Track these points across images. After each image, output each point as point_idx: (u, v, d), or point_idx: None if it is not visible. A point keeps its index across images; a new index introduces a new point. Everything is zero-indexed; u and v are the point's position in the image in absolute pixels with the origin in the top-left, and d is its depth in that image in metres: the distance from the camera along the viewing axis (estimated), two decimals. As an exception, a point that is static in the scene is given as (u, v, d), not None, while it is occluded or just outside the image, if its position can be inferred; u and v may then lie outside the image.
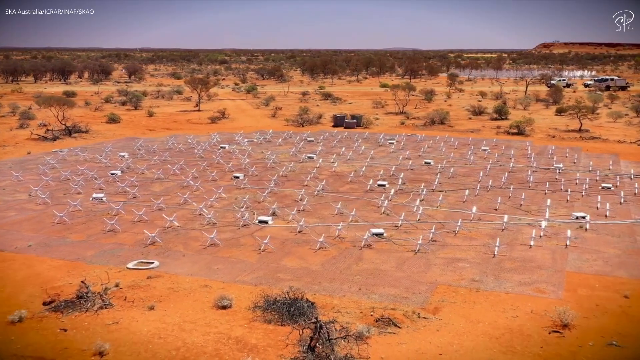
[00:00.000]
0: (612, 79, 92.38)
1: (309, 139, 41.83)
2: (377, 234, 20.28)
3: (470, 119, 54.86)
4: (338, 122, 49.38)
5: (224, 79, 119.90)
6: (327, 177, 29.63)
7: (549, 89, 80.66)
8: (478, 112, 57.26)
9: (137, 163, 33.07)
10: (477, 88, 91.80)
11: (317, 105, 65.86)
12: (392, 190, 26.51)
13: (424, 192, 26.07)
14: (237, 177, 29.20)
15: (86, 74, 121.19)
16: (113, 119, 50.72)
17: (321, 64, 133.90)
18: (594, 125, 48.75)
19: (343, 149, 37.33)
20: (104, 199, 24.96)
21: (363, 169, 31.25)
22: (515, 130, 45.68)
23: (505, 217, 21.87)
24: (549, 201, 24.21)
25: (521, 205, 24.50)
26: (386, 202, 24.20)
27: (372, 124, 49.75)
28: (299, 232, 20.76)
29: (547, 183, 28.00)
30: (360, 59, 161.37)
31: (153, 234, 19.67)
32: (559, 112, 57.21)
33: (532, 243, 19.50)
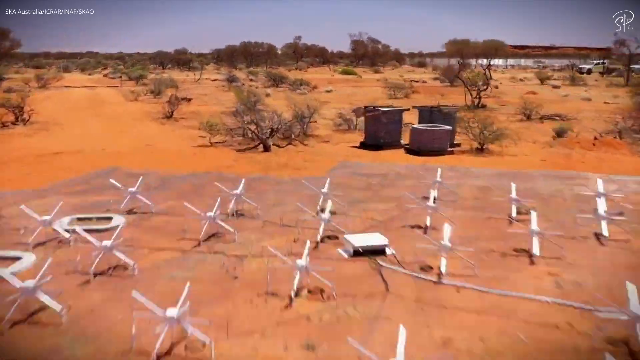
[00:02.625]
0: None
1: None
2: None
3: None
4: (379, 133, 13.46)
5: (104, 67, 80.00)
6: None
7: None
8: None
9: None
10: (509, 75, 60.10)
11: (268, 95, 30.23)
12: None
13: None
14: None
15: None
16: None
17: (244, 50, 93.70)
18: None
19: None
20: None
21: None
22: None
23: None
24: None
25: None
26: None
27: (510, 138, 14.70)
28: None
29: None
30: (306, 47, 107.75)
31: None
32: None
33: None
